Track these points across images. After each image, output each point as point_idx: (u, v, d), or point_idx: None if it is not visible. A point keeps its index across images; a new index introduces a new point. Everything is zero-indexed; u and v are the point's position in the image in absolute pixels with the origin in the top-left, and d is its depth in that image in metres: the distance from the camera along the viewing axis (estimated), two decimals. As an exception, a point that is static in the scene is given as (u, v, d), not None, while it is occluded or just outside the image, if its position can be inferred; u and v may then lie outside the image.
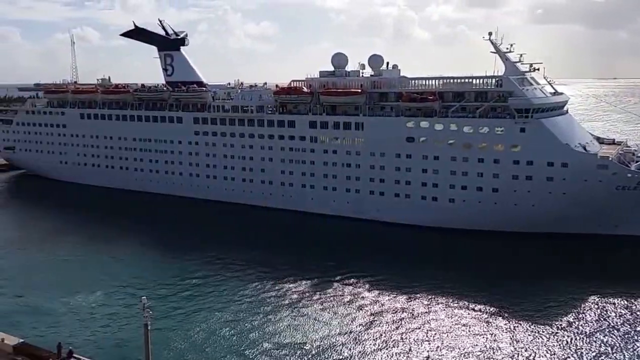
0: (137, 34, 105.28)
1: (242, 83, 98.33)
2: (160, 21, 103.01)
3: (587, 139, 73.23)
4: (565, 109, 75.59)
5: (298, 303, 51.76)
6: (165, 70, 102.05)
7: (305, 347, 43.51)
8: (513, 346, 43.25)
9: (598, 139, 79.73)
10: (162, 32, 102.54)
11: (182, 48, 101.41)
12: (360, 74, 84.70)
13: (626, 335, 44.72)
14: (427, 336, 45.11)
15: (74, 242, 71.59)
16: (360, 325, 47.25)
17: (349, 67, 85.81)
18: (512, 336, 44.86)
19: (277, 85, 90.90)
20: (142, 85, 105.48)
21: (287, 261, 63.06)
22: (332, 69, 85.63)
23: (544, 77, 76.98)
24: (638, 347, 42.91)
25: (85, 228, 78.24)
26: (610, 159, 66.45)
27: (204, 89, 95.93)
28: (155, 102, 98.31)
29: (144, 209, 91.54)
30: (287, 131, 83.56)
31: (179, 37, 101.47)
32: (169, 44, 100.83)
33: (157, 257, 65.55)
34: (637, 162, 69.43)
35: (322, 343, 44.12)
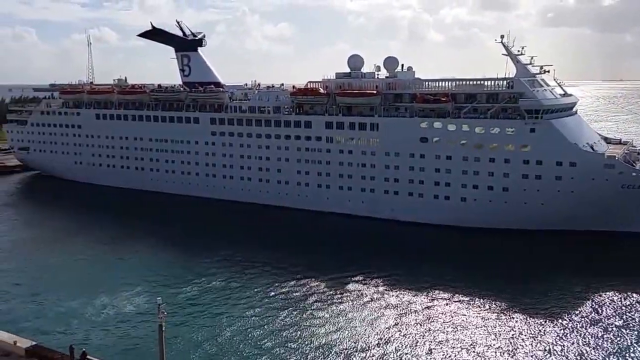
0: (155, 34, 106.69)
1: (259, 84, 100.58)
2: (178, 22, 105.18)
3: (595, 139, 75.32)
4: (574, 109, 77.76)
5: (316, 303, 52.54)
6: (182, 70, 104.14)
7: (326, 347, 43.98)
8: (531, 342, 44.74)
9: (605, 139, 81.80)
10: (180, 33, 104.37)
11: (199, 49, 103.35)
12: (376, 76, 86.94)
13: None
14: (446, 334, 46.14)
15: (88, 242, 72.01)
16: (379, 324, 48.02)
17: (365, 69, 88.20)
18: (529, 332, 46.43)
19: (293, 86, 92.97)
20: (159, 85, 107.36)
21: (302, 260, 64.09)
22: (348, 70, 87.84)
23: (554, 79, 79.09)
24: (645, 336, 45.05)
25: (100, 229, 78.56)
26: (616, 158, 68.50)
27: (221, 89, 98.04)
28: (172, 103, 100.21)
29: (160, 209, 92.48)
30: (304, 132, 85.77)
31: (197, 38, 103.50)
32: (186, 45, 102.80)
33: (172, 258, 66.11)
34: (643, 161, 71.47)
35: (342, 342, 44.75)
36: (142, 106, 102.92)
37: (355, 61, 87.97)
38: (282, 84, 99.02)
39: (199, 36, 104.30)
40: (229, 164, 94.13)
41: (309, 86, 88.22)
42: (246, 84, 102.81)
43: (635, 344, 44.12)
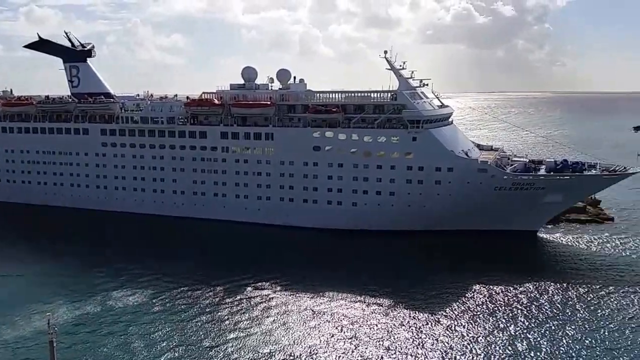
0: (42, 45, 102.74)
1: (151, 95, 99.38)
2: (66, 33, 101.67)
3: (469, 146, 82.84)
4: (450, 119, 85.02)
5: (207, 309, 53.49)
6: (70, 81, 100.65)
7: (216, 350, 45.51)
8: (412, 334, 49.08)
9: (478, 145, 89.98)
10: (68, 44, 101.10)
11: (88, 60, 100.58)
12: (270, 87, 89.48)
13: (506, 316, 53.00)
14: (333, 331, 48.95)
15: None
16: (271, 326, 49.93)
17: (259, 81, 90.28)
18: (409, 325, 50.61)
19: (187, 97, 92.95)
20: (47, 97, 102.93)
21: (197, 269, 64.73)
22: (242, 82, 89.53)
23: (432, 92, 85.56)
24: (515, 326, 51.30)
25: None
26: (489, 163, 75.95)
27: (112, 100, 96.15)
28: (60, 114, 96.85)
29: (48, 224, 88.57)
30: (199, 142, 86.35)
31: (86, 49, 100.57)
32: (75, 56, 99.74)
33: (64, 273, 64.23)
34: (512, 165, 79.65)
35: (229, 345, 46.35)
36: (28, 118, 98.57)
37: (249, 73, 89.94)
38: (176, 95, 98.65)
39: (88, 47, 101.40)
40: (121, 175, 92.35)
41: (203, 97, 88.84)
42: (138, 95, 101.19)
43: (508, 332, 49.31)
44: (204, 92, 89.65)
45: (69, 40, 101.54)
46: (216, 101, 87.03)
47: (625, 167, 76.57)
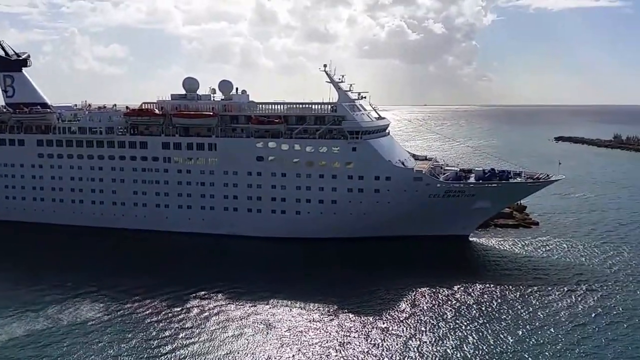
0: None
1: (89, 105, 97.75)
2: (0, 41, 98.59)
3: (405, 156, 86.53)
4: (387, 131, 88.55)
5: (147, 322, 53.03)
6: (5, 91, 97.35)
7: None
8: (359, 338, 50.23)
9: (414, 155, 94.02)
10: (2, 53, 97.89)
11: (24, 69, 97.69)
12: (212, 98, 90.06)
13: (438, 318, 56.18)
14: (284, 338, 49.59)
15: None
16: (221, 336, 50.06)
17: (200, 91, 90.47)
18: (356, 329, 51.84)
19: (127, 107, 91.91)
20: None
21: (141, 281, 63.75)
22: (183, 92, 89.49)
23: (370, 104, 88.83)
24: (442, 324, 54.54)
25: None
26: (423, 172, 79.68)
27: (49, 110, 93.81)
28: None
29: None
30: (139, 152, 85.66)
31: (21, 58, 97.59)
32: (9, 65, 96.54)
33: None
34: (444, 174, 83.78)
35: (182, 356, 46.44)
36: None
37: (190, 83, 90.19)
38: (115, 105, 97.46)
39: (23, 56, 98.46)
40: (59, 187, 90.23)
41: (143, 107, 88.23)
42: (76, 105, 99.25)
43: (439, 333, 51.78)
44: (144, 103, 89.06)
45: (3, 49, 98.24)
46: (157, 111, 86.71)
47: (548, 175, 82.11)
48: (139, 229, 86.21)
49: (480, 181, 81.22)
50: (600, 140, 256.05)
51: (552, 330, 51.75)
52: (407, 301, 58.75)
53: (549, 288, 62.13)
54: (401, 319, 54.31)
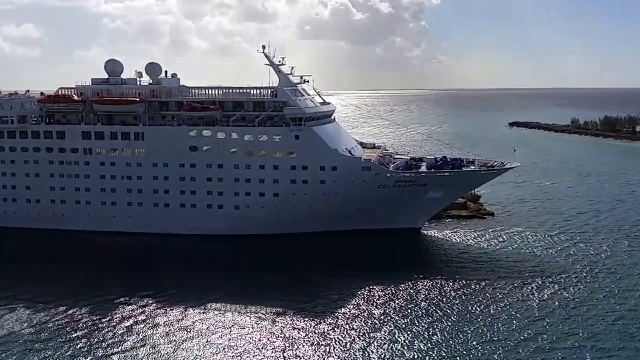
0: None
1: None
2: None
3: (353, 145, 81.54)
4: (333, 117, 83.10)
5: (69, 328, 49.53)
6: None
7: None
8: (308, 337, 47.32)
9: (362, 144, 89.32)
10: None
11: None
12: (138, 83, 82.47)
13: (387, 315, 51.85)
14: (227, 339, 47.09)
15: None
16: (153, 341, 47.11)
17: (125, 75, 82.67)
18: (305, 328, 49.04)
19: (42, 94, 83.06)
20: None
21: (57, 286, 59.32)
22: (106, 76, 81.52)
23: (314, 89, 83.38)
24: (395, 319, 50.16)
25: None
26: (372, 161, 74.94)
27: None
28: None
29: None
30: (56, 143, 77.25)
31: None
32: None
33: None
34: (394, 163, 79.53)
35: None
36: None
37: (113, 66, 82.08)
38: (28, 91, 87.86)
39: None
40: (-37, 183, 79.90)
41: (60, 93, 79.86)
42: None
43: (387, 330, 48.67)
44: (60, 88, 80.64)
45: None
46: (76, 97, 78.66)
47: (503, 163, 79.13)
48: (57, 229, 77.67)
49: (433, 170, 77.34)
50: (557, 126, 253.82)
51: (507, 325, 49.80)
52: (355, 300, 55.72)
53: (504, 281, 60.05)
54: (349, 318, 51.58)
